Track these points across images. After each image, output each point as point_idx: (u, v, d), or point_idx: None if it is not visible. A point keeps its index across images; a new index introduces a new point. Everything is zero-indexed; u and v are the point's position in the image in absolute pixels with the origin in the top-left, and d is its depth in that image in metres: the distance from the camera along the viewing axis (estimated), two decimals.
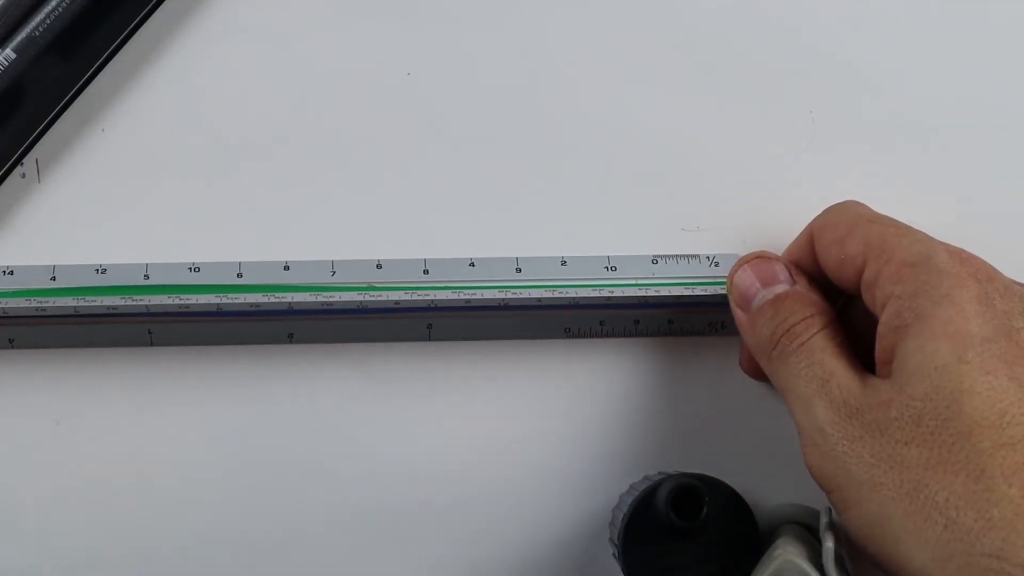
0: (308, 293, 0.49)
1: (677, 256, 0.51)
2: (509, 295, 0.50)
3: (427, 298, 0.49)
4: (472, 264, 0.50)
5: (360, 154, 0.52)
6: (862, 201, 0.49)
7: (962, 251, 0.44)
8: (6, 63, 0.49)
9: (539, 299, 0.50)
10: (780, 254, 0.50)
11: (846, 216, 0.47)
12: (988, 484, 0.39)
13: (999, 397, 0.40)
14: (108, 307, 0.49)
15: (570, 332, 0.52)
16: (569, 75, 0.53)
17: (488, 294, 0.50)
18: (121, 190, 0.51)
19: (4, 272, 0.49)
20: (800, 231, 0.49)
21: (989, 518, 0.39)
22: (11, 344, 0.50)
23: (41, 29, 0.49)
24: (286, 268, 0.50)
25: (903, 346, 0.42)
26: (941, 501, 0.40)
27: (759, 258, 0.49)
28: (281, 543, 0.52)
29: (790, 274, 0.48)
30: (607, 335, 0.52)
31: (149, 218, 0.51)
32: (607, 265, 0.50)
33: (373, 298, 0.49)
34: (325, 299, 0.49)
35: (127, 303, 0.49)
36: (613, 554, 0.49)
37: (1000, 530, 0.38)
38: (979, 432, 0.40)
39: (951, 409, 0.40)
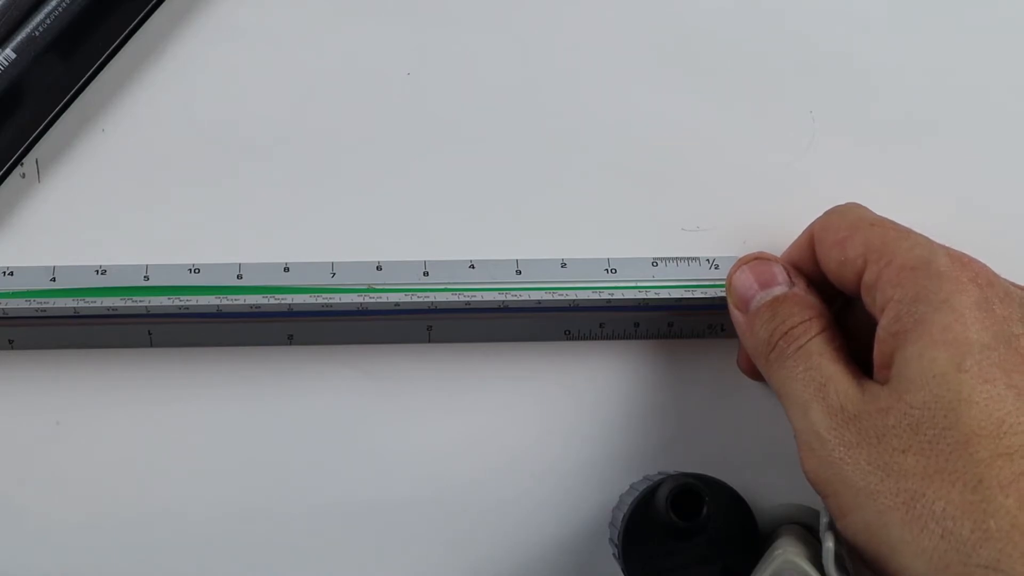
0: (308, 295, 0.49)
1: (677, 259, 0.51)
2: (509, 297, 0.50)
3: (427, 300, 0.49)
4: (472, 266, 0.50)
5: (360, 155, 0.52)
6: (862, 201, 0.49)
7: (963, 255, 0.44)
8: (6, 63, 0.49)
9: (539, 301, 0.50)
10: (780, 255, 0.50)
11: (847, 218, 0.47)
12: (985, 495, 0.39)
13: (997, 406, 0.40)
14: (108, 308, 0.49)
15: (570, 334, 0.52)
16: (569, 76, 0.53)
17: (488, 296, 0.50)
18: (121, 190, 0.52)
19: (4, 273, 0.49)
20: (800, 232, 0.49)
21: (985, 529, 0.39)
22: (11, 345, 0.50)
23: (41, 29, 0.49)
24: (286, 269, 0.50)
25: (902, 352, 0.42)
26: (938, 511, 0.40)
27: (758, 259, 0.49)
28: (281, 544, 0.52)
29: (789, 276, 0.48)
30: (607, 337, 0.52)
31: (149, 218, 0.51)
32: (607, 267, 0.50)
33: (373, 300, 0.49)
34: (325, 300, 0.49)
35: (127, 304, 0.49)
36: (613, 554, 0.50)
37: (996, 541, 0.38)
38: (977, 442, 0.40)
39: (949, 418, 0.40)
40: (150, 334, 0.51)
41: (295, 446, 0.52)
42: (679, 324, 0.52)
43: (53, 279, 0.49)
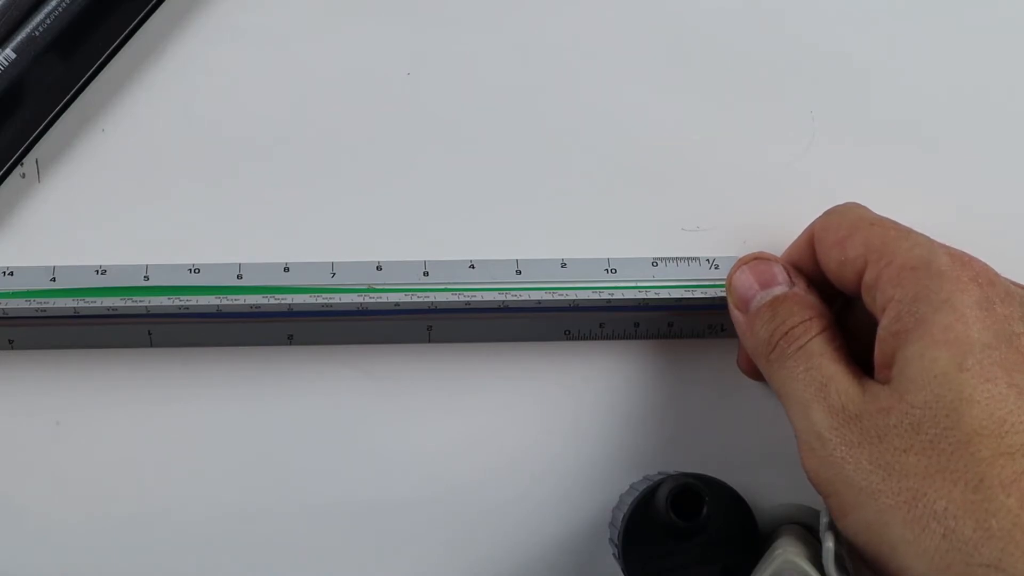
0: (308, 295, 0.49)
1: (677, 259, 0.51)
2: (509, 297, 0.50)
3: (427, 300, 0.49)
4: (472, 266, 0.50)
5: (360, 155, 0.52)
6: (862, 201, 0.49)
7: (963, 254, 0.44)
8: (6, 63, 0.49)
9: (539, 301, 0.50)
10: (780, 255, 0.50)
11: (847, 218, 0.47)
12: (987, 494, 0.39)
13: (998, 405, 0.40)
14: (108, 308, 0.49)
15: (570, 334, 0.51)
16: (569, 75, 0.53)
17: (488, 296, 0.50)
18: (121, 190, 0.51)
19: (4, 273, 0.49)
20: (800, 231, 0.49)
21: (987, 528, 0.39)
22: (11, 345, 0.50)
23: (41, 29, 0.49)
24: (286, 269, 0.50)
25: (903, 352, 0.42)
26: (940, 510, 0.40)
27: (758, 259, 0.49)
28: (281, 544, 0.52)
29: (789, 276, 0.48)
30: (607, 337, 0.52)
31: (149, 218, 0.51)
32: (607, 267, 0.50)
33: (373, 300, 0.49)
34: (325, 300, 0.49)
35: (127, 304, 0.49)
36: (613, 554, 0.50)
37: (998, 540, 0.38)
38: (978, 441, 0.40)
39: (951, 418, 0.40)
40: (150, 334, 0.51)
41: (295, 446, 0.52)
42: (679, 324, 0.52)
43: (53, 279, 0.49)
